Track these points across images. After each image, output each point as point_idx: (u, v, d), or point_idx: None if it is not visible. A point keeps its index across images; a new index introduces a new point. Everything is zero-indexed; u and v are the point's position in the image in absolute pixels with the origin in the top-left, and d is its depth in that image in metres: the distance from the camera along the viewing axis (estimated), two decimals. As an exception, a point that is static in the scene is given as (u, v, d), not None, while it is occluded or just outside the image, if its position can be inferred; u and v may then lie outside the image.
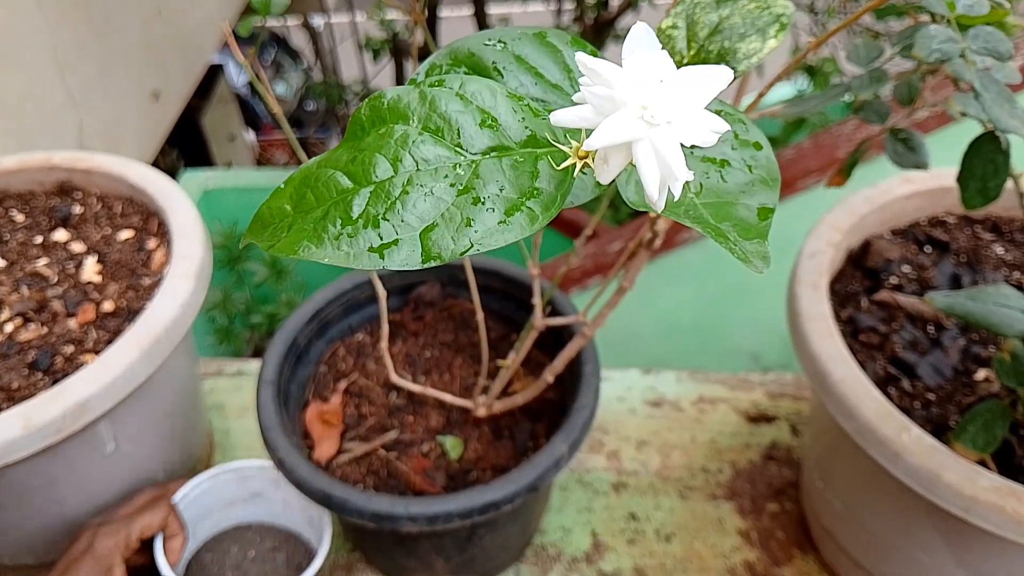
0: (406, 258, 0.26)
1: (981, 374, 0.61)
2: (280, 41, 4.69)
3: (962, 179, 0.47)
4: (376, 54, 3.43)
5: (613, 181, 0.29)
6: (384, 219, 0.27)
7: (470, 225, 0.27)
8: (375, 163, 0.27)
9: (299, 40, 4.61)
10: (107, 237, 0.73)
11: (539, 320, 0.60)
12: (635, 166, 0.25)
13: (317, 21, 4.15)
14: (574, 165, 0.27)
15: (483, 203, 0.27)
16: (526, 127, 0.28)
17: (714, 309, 1.55)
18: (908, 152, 0.53)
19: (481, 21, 3.12)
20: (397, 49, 3.36)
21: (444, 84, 0.28)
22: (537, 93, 0.32)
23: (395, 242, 0.26)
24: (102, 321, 0.66)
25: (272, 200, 0.28)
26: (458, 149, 0.28)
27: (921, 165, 0.53)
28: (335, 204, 0.27)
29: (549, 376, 0.61)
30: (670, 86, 0.24)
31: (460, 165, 0.27)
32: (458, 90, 0.28)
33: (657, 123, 0.23)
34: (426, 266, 0.26)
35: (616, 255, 1.43)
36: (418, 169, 0.27)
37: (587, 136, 0.24)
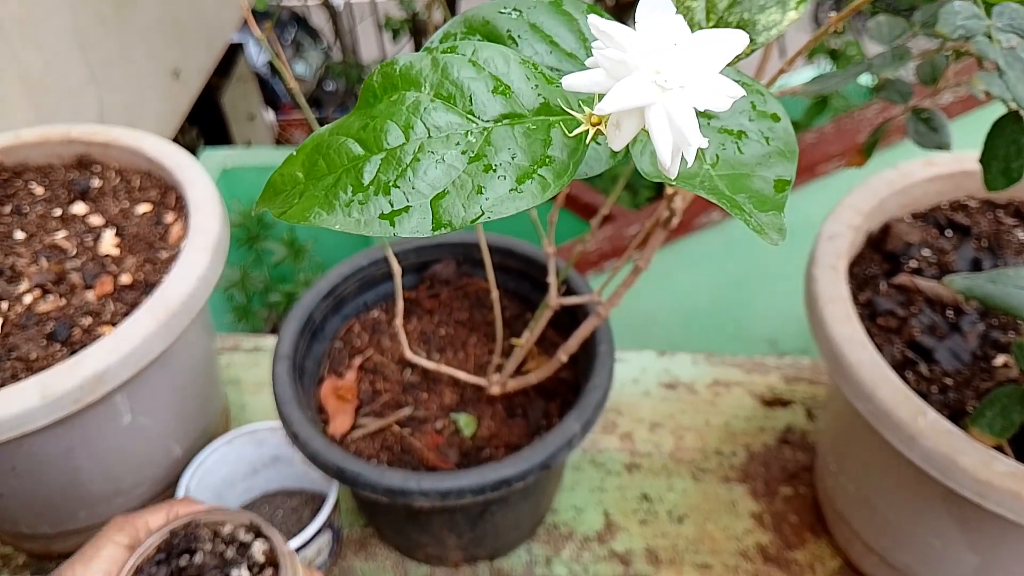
0: (417, 225, 0.26)
1: (1000, 359, 0.60)
2: (300, 21, 4.68)
3: (985, 160, 0.46)
4: (396, 34, 3.42)
5: (629, 157, 0.29)
6: (395, 186, 0.26)
7: (481, 192, 0.26)
8: (386, 130, 0.27)
9: (319, 20, 4.59)
10: (125, 211, 0.74)
11: (554, 299, 0.60)
12: (648, 132, 0.24)
13: (337, 1, 4.14)
14: (587, 132, 0.27)
15: (495, 171, 0.27)
16: (539, 94, 0.28)
17: (732, 294, 1.54)
18: (930, 132, 0.52)
19: None
20: (417, 29, 3.34)
21: (457, 51, 0.27)
22: (552, 62, 0.31)
23: (406, 209, 0.26)
24: (119, 293, 0.66)
25: (284, 167, 0.28)
26: (470, 116, 0.27)
27: (943, 145, 0.52)
28: (346, 171, 0.27)
29: (563, 355, 0.61)
30: (684, 50, 0.23)
31: (472, 132, 0.27)
32: (471, 56, 0.27)
33: (670, 87, 0.23)
34: (437, 234, 0.26)
35: (633, 239, 1.42)
36: (430, 136, 0.27)
37: (600, 102, 0.24)
